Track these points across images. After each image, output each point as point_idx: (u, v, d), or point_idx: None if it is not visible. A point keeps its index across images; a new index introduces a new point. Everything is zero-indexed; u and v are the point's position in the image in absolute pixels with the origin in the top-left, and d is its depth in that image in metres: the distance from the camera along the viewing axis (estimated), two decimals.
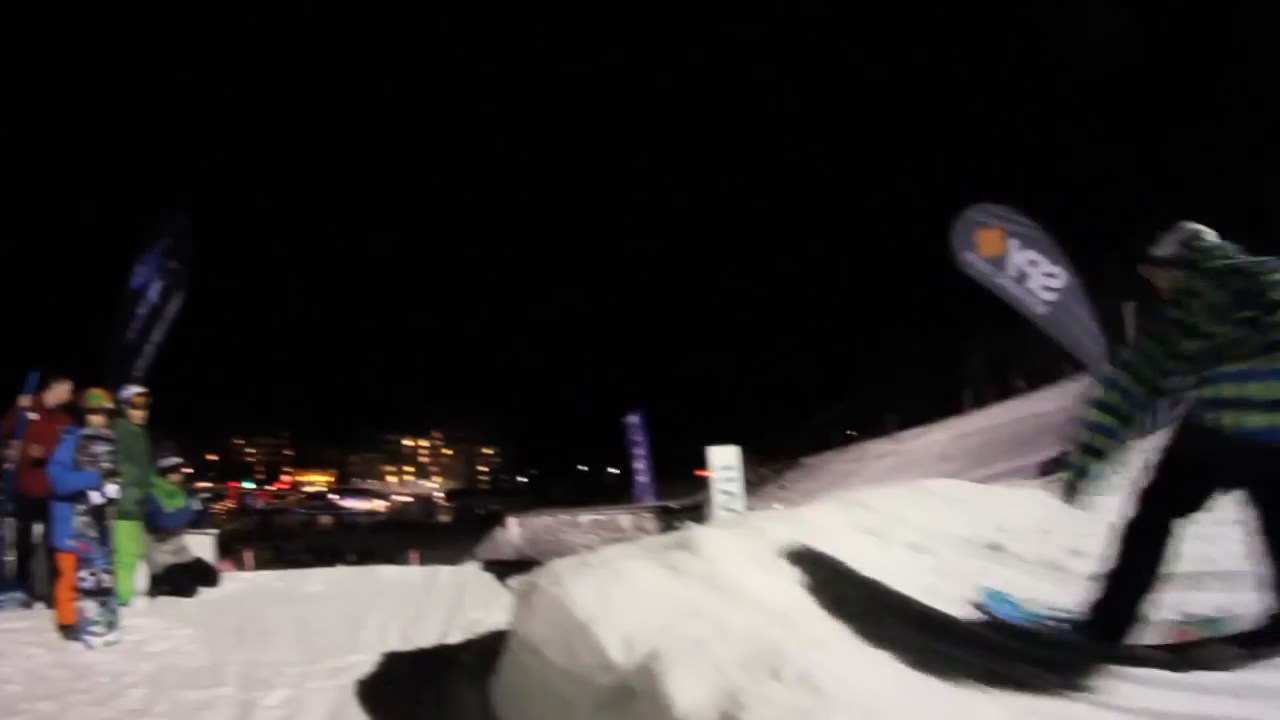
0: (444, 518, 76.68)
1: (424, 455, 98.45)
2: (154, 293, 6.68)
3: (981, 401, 22.77)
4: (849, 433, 27.84)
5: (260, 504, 77.44)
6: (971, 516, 4.24)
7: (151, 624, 4.72)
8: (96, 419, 4.36)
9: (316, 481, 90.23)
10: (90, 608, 4.07)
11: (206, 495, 6.19)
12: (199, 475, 77.13)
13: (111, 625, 4.17)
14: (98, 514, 4.18)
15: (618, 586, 2.55)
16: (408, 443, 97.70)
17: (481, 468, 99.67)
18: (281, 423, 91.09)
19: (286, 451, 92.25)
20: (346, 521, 73.47)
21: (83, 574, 4.04)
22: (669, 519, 5.02)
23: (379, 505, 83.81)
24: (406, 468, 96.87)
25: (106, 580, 4.14)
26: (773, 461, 28.15)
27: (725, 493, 10.79)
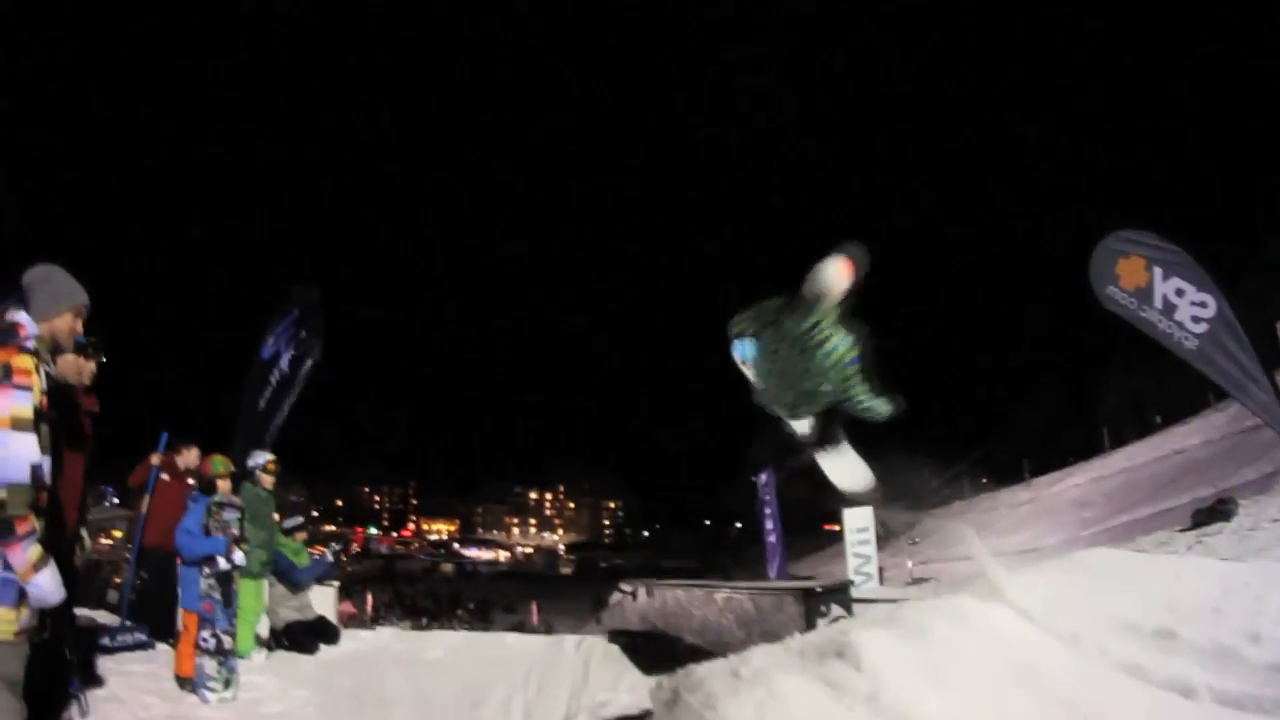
0: (566, 570, 77.39)
1: (548, 508, 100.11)
2: (285, 362, 6.98)
3: (1120, 440, 21.01)
4: (983, 480, 26.38)
5: (384, 548, 79.98)
6: (1136, 595, 3.75)
7: (268, 682, 4.77)
8: (224, 485, 4.61)
9: (441, 530, 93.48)
10: (209, 664, 4.18)
11: (338, 547, 6.38)
12: (325, 519, 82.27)
13: (229, 683, 4.25)
14: (224, 578, 4.37)
15: (775, 711, 2.39)
16: (533, 495, 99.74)
17: (605, 521, 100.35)
18: (409, 472, 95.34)
19: (413, 500, 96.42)
20: (468, 570, 75.29)
21: (205, 635, 4.20)
22: (814, 604, 4.71)
23: (501, 555, 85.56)
24: (530, 520, 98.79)
25: (227, 642, 4.28)
26: (902, 514, 26.77)
27: (859, 555, 10.53)
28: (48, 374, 2.25)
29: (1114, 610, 3.59)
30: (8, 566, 2.00)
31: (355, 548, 78.34)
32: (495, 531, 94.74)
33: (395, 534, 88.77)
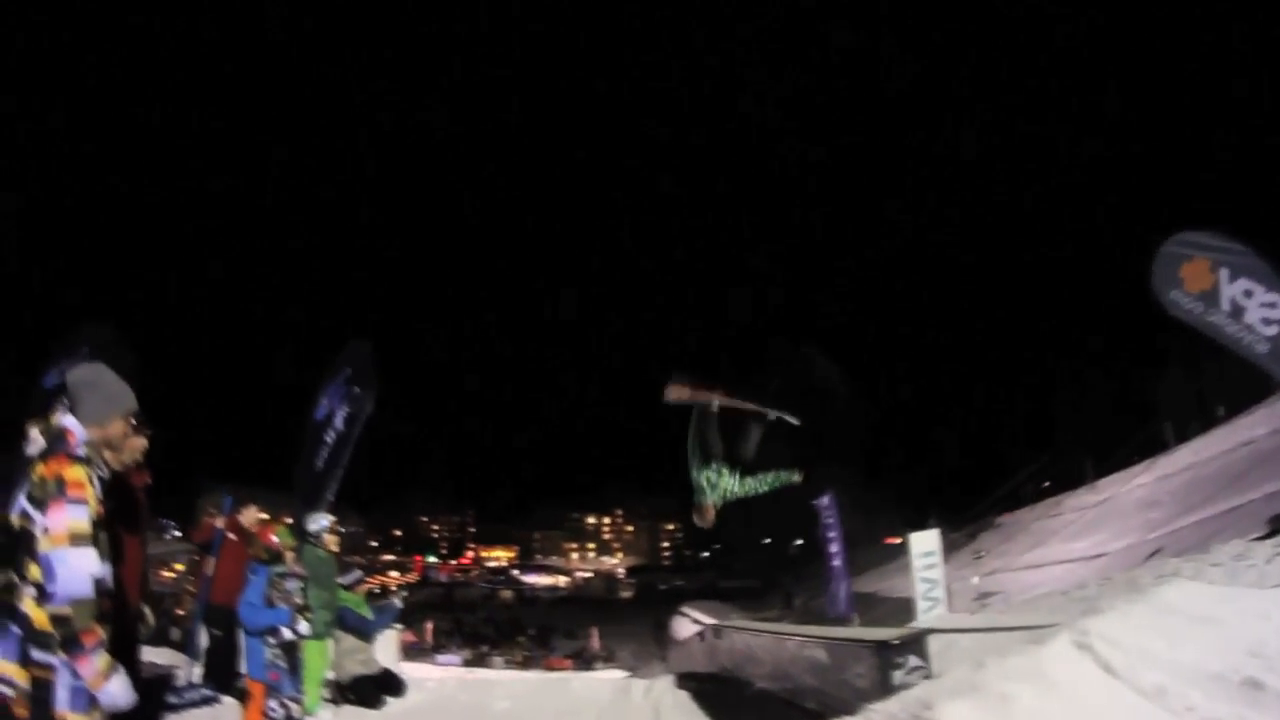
0: (625, 594, 77.18)
1: (606, 532, 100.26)
2: (339, 420, 7.01)
3: (1184, 436, 20.10)
4: (1044, 484, 25.36)
5: (443, 576, 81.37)
6: (1220, 640, 3.56)
7: None
8: (290, 556, 4.69)
9: (499, 557, 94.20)
10: None
11: (405, 592, 6.46)
12: (384, 548, 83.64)
13: None
14: (289, 647, 4.46)
15: None
16: (590, 520, 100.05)
17: (664, 543, 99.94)
18: (466, 500, 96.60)
19: (470, 528, 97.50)
20: (528, 596, 75.66)
21: (272, 704, 4.25)
22: (889, 656, 4.61)
23: (560, 580, 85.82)
24: (588, 544, 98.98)
25: (295, 710, 4.35)
26: (965, 524, 26.09)
27: (926, 580, 10.28)
28: (100, 477, 2.23)
29: (1198, 660, 3.41)
30: (78, 675, 2.03)
31: (414, 576, 79.59)
32: (554, 557, 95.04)
33: (454, 562, 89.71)
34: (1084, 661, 3.39)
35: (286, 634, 4.32)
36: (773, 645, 6.23)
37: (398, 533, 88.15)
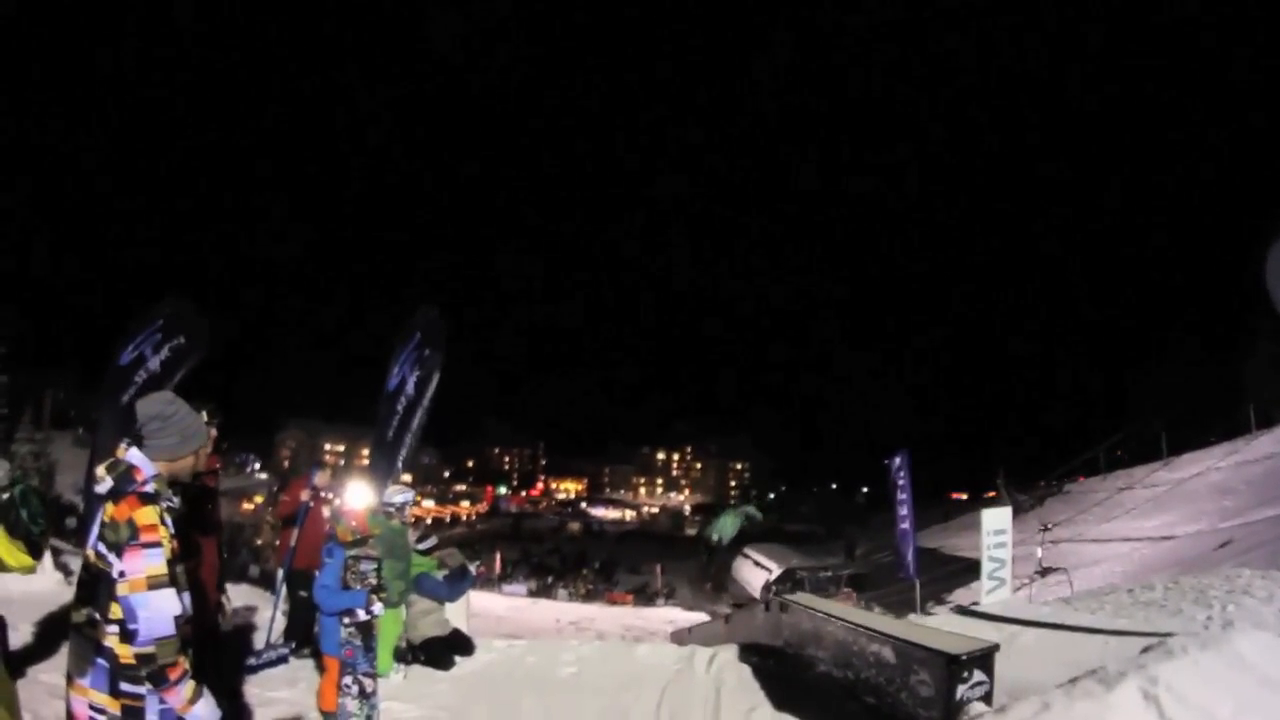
0: (690, 531, 78.29)
1: (675, 468, 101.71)
2: (410, 386, 7.07)
3: (1268, 421, 18.68)
4: (1118, 453, 24.86)
5: (512, 507, 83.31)
6: None
7: (406, 711, 4.96)
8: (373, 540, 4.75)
9: (569, 489, 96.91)
10: (351, 704, 4.38)
11: (479, 563, 6.60)
12: (456, 479, 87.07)
13: (369, 718, 4.35)
14: (364, 626, 4.58)
15: None
16: (660, 456, 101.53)
17: (731, 483, 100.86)
18: (538, 433, 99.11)
19: (541, 460, 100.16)
20: (594, 529, 77.63)
21: (347, 680, 4.40)
22: (958, 671, 4.48)
23: (627, 515, 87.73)
24: (657, 480, 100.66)
25: (369, 685, 4.49)
26: (1034, 488, 25.36)
27: (994, 560, 10.17)
28: (171, 507, 2.21)
29: None
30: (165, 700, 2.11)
31: (484, 506, 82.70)
32: (622, 491, 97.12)
33: (524, 493, 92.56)
34: (1149, 714, 3.21)
35: (361, 615, 4.42)
36: (840, 631, 6.12)
37: (470, 463, 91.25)
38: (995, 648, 4.71)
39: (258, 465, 68.92)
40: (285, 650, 5.61)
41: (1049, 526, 15.36)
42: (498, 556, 46.50)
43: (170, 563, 2.12)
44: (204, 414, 4.47)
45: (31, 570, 2.55)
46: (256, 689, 5.00)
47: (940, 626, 7.35)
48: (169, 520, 2.17)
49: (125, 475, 2.18)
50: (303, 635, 5.74)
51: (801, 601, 7.32)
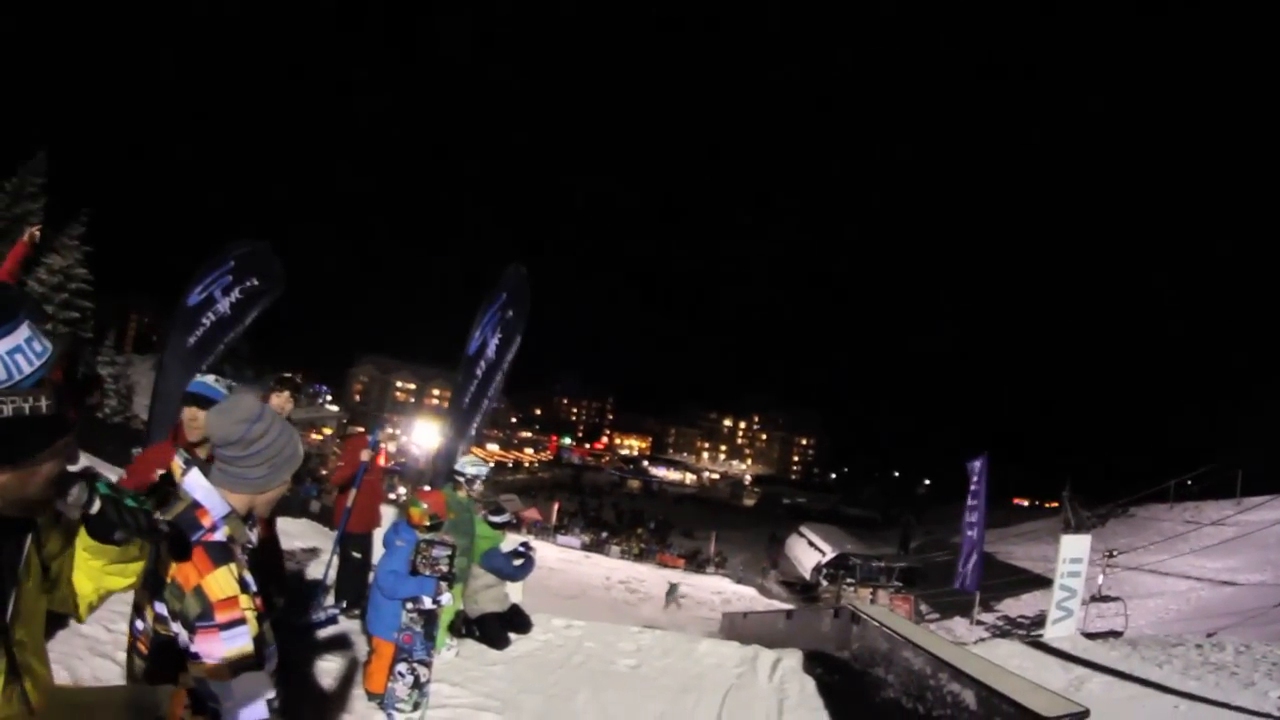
0: (748, 501, 77.68)
1: (740, 437, 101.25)
2: (491, 349, 6.79)
3: None
4: (1188, 483, 24.05)
5: (575, 459, 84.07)
6: None
7: (456, 696, 4.76)
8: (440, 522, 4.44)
9: (633, 446, 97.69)
10: (401, 689, 4.11)
11: (534, 550, 6.30)
12: (523, 425, 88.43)
13: (418, 705, 4.16)
14: (427, 614, 4.27)
15: None
16: (726, 422, 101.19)
17: (794, 457, 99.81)
18: (608, 387, 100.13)
19: (609, 414, 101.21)
20: (654, 489, 77.82)
21: (400, 667, 4.20)
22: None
23: (688, 478, 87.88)
24: (721, 446, 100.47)
25: (424, 674, 4.28)
26: (1098, 506, 24.24)
27: (1065, 588, 9.99)
28: (248, 547, 1.69)
29: None
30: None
31: (548, 455, 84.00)
32: (685, 454, 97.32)
33: (588, 445, 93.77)
34: None
35: (427, 603, 4.18)
36: (916, 659, 5.66)
37: (538, 410, 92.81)
38: (1086, 714, 4.21)
39: (329, 397, 71.39)
40: (336, 611, 5.49)
41: (1114, 554, 15.04)
42: (555, 506, 47.19)
43: (259, 641, 1.56)
44: (286, 394, 4.30)
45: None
46: (305, 652, 4.85)
47: (1007, 662, 6.95)
48: (249, 578, 1.61)
49: (192, 524, 1.58)
50: (353, 597, 5.61)
51: (875, 616, 6.90)
